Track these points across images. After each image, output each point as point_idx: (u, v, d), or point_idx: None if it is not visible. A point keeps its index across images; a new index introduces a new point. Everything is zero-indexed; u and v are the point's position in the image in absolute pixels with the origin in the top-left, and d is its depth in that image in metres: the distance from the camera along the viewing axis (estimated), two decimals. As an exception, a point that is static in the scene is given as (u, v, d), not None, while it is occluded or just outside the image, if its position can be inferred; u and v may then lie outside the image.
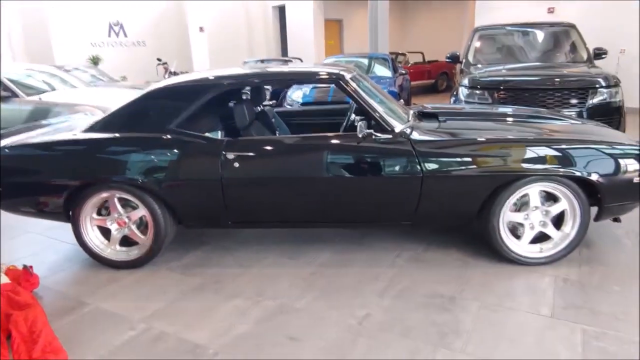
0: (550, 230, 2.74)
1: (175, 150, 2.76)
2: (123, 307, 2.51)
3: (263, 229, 3.46)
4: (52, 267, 3.05)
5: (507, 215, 2.71)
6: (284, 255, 3.07)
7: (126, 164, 2.77)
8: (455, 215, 2.82)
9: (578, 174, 2.58)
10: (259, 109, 3.65)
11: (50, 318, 2.30)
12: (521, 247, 2.77)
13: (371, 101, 2.79)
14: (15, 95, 5.86)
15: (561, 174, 2.59)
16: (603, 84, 4.65)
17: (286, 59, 11.58)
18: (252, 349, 2.13)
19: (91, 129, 2.95)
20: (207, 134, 3.00)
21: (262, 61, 10.67)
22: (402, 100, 7.40)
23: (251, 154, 2.75)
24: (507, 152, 2.62)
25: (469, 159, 2.63)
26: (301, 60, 11.18)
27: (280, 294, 2.59)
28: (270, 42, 15.02)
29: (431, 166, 2.62)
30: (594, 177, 2.58)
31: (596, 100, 4.62)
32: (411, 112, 3.24)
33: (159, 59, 12.65)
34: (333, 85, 2.91)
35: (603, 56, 5.87)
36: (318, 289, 2.64)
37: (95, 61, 12.98)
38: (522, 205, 2.75)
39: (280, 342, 2.17)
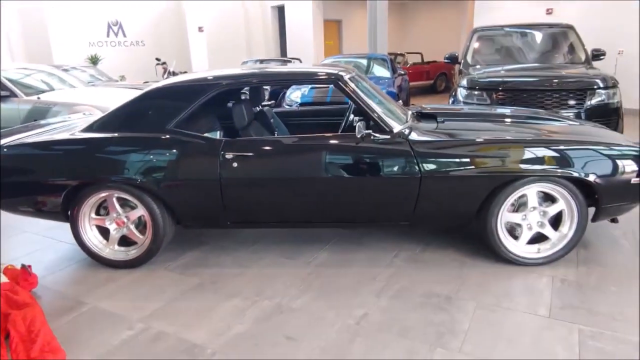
0: (547, 230, 2.75)
1: (174, 150, 2.76)
2: (121, 307, 2.52)
3: (261, 229, 3.46)
4: (51, 266, 3.05)
5: (505, 215, 2.72)
6: (283, 255, 3.07)
7: (125, 164, 2.77)
8: (454, 216, 2.83)
9: (576, 174, 2.59)
10: (257, 109, 3.65)
11: (48, 318, 2.30)
12: (519, 247, 2.78)
13: (370, 102, 2.80)
14: (13, 94, 5.86)
15: (559, 174, 2.60)
16: (601, 85, 4.67)
17: (285, 59, 11.59)
18: (250, 348, 2.13)
19: (90, 128, 2.96)
20: (205, 134, 3.00)
21: (261, 61, 10.69)
22: (400, 101, 7.41)
23: (250, 154, 2.75)
24: (506, 153, 2.62)
25: (467, 160, 2.64)
26: (300, 61, 11.20)
27: (278, 294, 2.60)
28: (270, 43, 15.03)
29: (429, 167, 2.63)
30: (592, 178, 2.59)
31: (594, 101, 4.64)
32: (409, 112, 3.25)
33: (157, 59, 12.64)
34: (332, 85, 2.91)
35: (601, 57, 5.89)
36: (316, 289, 2.64)
37: (94, 61, 12.97)
38: (520, 205, 2.76)
39: (278, 342, 2.17)
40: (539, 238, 2.79)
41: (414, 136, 2.74)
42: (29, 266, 2.77)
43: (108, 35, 14.06)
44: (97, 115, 3.48)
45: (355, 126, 2.64)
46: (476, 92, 4.95)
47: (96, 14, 13.53)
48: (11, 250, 3.33)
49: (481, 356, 2.02)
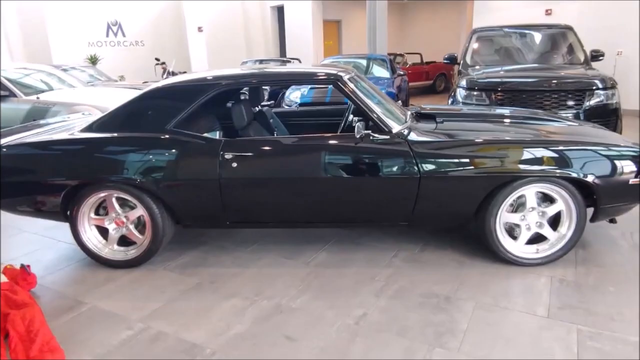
0: (546, 231, 2.76)
1: (173, 150, 2.77)
2: (120, 307, 2.52)
3: (261, 229, 3.47)
4: (50, 266, 3.05)
5: (503, 216, 2.73)
6: (282, 255, 3.07)
7: (124, 164, 2.77)
8: (452, 216, 2.84)
9: (574, 175, 2.59)
10: (257, 109, 3.65)
11: (47, 317, 2.30)
12: (517, 247, 2.78)
13: (369, 102, 2.81)
14: (13, 94, 5.85)
15: (558, 175, 2.60)
16: (600, 85, 4.68)
17: (285, 59, 11.59)
18: (250, 348, 2.14)
19: (89, 128, 2.96)
20: (205, 134, 3.00)
21: (261, 61, 10.69)
22: (400, 101, 7.41)
23: (249, 154, 2.75)
24: (504, 153, 2.63)
25: (466, 160, 2.64)
26: (300, 61, 11.20)
27: (277, 294, 2.60)
28: (269, 43, 15.03)
29: (428, 167, 2.64)
30: (590, 178, 2.60)
31: (593, 102, 4.65)
32: (409, 113, 3.26)
33: (157, 59, 12.65)
34: (331, 86, 2.91)
35: (600, 58, 5.90)
36: (315, 288, 2.64)
37: (93, 61, 12.96)
38: (518, 206, 2.76)
39: (278, 342, 2.17)
40: (537, 238, 2.79)
41: (413, 136, 2.74)
42: (28, 266, 2.77)
43: (107, 35, 14.05)
44: (97, 115, 3.48)
45: (354, 126, 2.65)
46: (475, 93, 4.96)
47: (95, 14, 13.52)
48: (10, 250, 3.33)
49: (480, 356, 2.02)
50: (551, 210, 2.72)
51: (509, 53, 6.17)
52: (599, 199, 2.66)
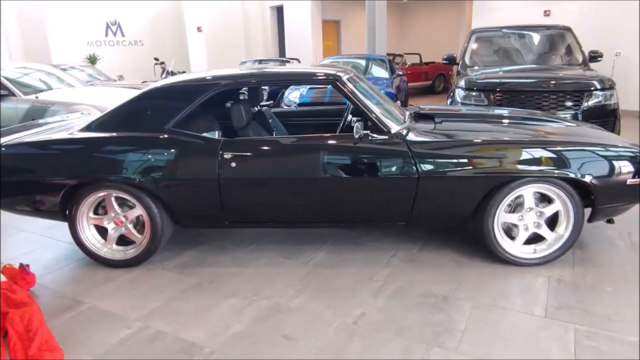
0: (544, 231, 2.77)
1: (173, 150, 2.77)
2: (119, 306, 2.52)
3: (260, 229, 3.47)
4: (48, 265, 3.05)
5: (501, 216, 2.73)
6: (281, 255, 3.08)
7: (123, 163, 2.77)
8: (451, 216, 2.84)
9: (572, 175, 2.60)
10: (256, 109, 3.66)
11: (46, 317, 2.30)
12: (515, 247, 2.79)
13: (368, 102, 2.81)
14: (12, 94, 5.85)
15: (555, 175, 2.61)
16: (598, 86, 4.69)
17: (284, 59, 11.60)
18: (248, 348, 2.14)
19: (88, 128, 2.96)
20: (204, 134, 3.01)
21: (260, 61, 10.69)
22: (398, 102, 7.42)
23: (248, 154, 2.76)
24: (503, 154, 2.64)
25: (465, 160, 2.65)
26: (299, 61, 11.21)
27: (276, 294, 2.60)
28: (268, 43, 15.04)
29: (427, 167, 2.64)
30: (588, 178, 2.61)
31: (591, 102, 4.66)
32: (407, 113, 3.26)
33: (156, 59, 12.65)
34: (330, 86, 2.92)
35: (598, 59, 5.92)
36: (314, 288, 2.65)
37: (92, 60, 12.96)
38: (516, 206, 2.77)
39: (276, 341, 2.18)
40: (535, 238, 2.80)
41: (411, 137, 2.75)
42: (27, 265, 2.78)
43: (106, 35, 14.05)
44: (96, 114, 3.48)
45: (353, 127, 2.66)
46: (474, 93, 4.97)
47: (95, 14, 13.52)
48: (9, 249, 3.33)
49: (477, 356, 2.03)
50: (549, 211, 2.73)
51: (508, 54, 6.18)
52: (597, 199, 2.67)
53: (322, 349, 2.11)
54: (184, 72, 10.33)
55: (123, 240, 2.98)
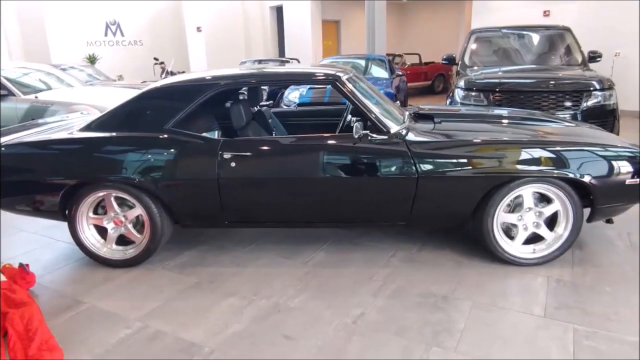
0: (543, 231, 2.77)
1: (172, 150, 2.77)
2: (119, 306, 2.52)
3: (259, 229, 3.47)
4: (48, 265, 3.05)
5: (501, 216, 2.74)
6: (280, 255, 3.08)
7: (123, 163, 2.77)
8: (450, 216, 2.85)
9: (571, 175, 2.61)
10: (255, 109, 3.66)
11: (46, 316, 2.30)
12: (515, 247, 2.80)
13: (367, 102, 2.82)
14: (11, 93, 5.85)
15: (555, 175, 2.62)
16: (597, 87, 4.70)
17: (283, 59, 11.60)
18: (248, 347, 2.14)
19: (88, 128, 2.96)
20: (204, 134, 3.01)
21: (260, 61, 10.69)
22: (398, 102, 7.43)
23: (248, 154, 2.76)
24: (502, 154, 2.64)
25: (464, 160, 2.65)
26: (298, 61, 11.21)
27: (275, 293, 2.61)
28: (268, 43, 15.04)
29: (426, 167, 2.65)
30: (587, 179, 2.61)
31: (590, 102, 4.67)
32: (407, 113, 3.27)
33: (156, 59, 12.66)
34: (329, 86, 2.92)
35: (597, 59, 5.93)
36: (313, 288, 2.65)
37: (91, 60, 12.96)
38: (515, 206, 2.78)
39: (276, 341, 2.18)
40: (534, 238, 2.81)
41: (411, 137, 2.75)
42: (27, 265, 2.78)
43: (106, 35, 14.05)
44: (95, 114, 3.48)
45: (352, 127, 2.66)
46: (473, 93, 4.97)
47: (94, 14, 13.53)
48: (9, 249, 3.33)
49: (477, 355, 2.03)
50: (548, 211, 2.74)
51: (507, 54, 6.19)
52: (596, 199, 2.67)
53: (321, 348, 2.11)
54: (183, 72, 10.32)
55: (123, 240, 2.98)
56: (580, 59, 5.86)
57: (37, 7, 12.36)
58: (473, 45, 6.38)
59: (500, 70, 5.51)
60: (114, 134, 2.86)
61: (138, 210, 2.85)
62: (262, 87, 4.87)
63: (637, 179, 2.66)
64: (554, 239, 2.77)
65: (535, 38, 6.26)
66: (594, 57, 5.91)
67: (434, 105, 4.21)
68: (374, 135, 2.70)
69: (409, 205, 2.73)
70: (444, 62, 6.49)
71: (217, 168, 2.72)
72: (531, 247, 2.80)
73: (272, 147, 2.82)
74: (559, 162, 2.62)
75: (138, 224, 2.95)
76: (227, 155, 2.73)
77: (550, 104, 4.69)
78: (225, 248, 3.23)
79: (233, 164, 2.72)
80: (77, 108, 5.24)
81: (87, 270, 2.96)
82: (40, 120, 3.84)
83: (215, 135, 3.38)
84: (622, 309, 2.34)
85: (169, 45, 14.74)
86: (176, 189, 2.80)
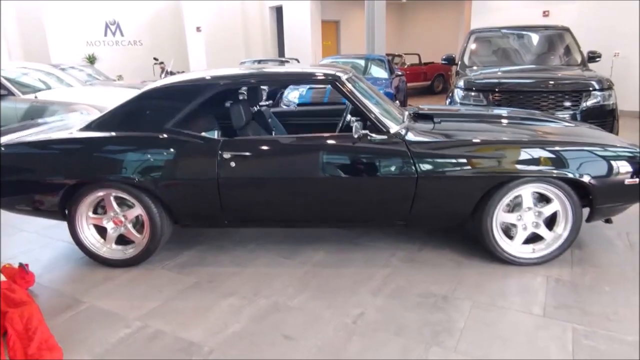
0: (542, 231, 2.77)
1: (172, 150, 2.77)
2: (118, 306, 2.52)
3: (259, 229, 3.47)
4: (48, 265, 3.05)
5: (500, 216, 2.74)
6: (280, 255, 3.08)
7: (122, 163, 2.78)
8: (450, 216, 2.85)
9: (570, 175, 2.61)
10: (255, 109, 3.66)
11: (45, 316, 2.30)
12: (514, 247, 2.80)
13: (367, 102, 2.82)
14: (11, 93, 5.85)
15: (554, 175, 2.62)
16: (596, 87, 4.70)
17: (283, 59, 11.60)
18: (247, 347, 2.15)
19: (87, 127, 2.96)
20: (203, 134, 3.01)
21: (259, 61, 10.69)
22: (397, 102, 7.43)
23: (247, 153, 2.76)
24: (501, 154, 2.64)
25: (464, 160, 2.65)
26: (298, 61, 11.21)
27: (275, 293, 2.61)
28: (267, 43, 15.04)
29: (426, 167, 2.65)
30: (586, 178, 2.61)
31: (590, 103, 4.67)
32: (406, 113, 3.27)
33: (155, 59, 12.65)
34: (329, 86, 2.92)
35: (597, 59, 5.93)
36: (313, 288, 2.65)
37: (91, 60, 12.96)
38: (515, 206, 2.78)
39: (275, 341, 2.18)
40: (534, 238, 2.81)
41: (410, 136, 2.75)
42: (26, 264, 2.78)
43: (106, 35, 14.05)
44: (95, 114, 3.49)
45: (352, 126, 2.66)
46: (473, 93, 4.98)
47: (94, 14, 13.52)
48: (9, 248, 3.33)
49: (476, 355, 2.04)
50: (547, 210, 2.74)
51: (507, 54, 6.19)
52: (595, 199, 2.68)
53: (321, 348, 2.12)
54: (183, 72, 10.32)
55: (122, 240, 2.98)
56: (579, 59, 5.86)
57: (37, 7, 12.35)
58: (472, 46, 6.38)
59: (500, 71, 5.51)
60: (113, 133, 2.86)
61: (138, 210, 2.85)
62: (262, 87, 4.88)
63: (636, 179, 2.66)
64: (553, 238, 2.77)
65: (535, 38, 6.27)
66: (593, 57, 5.92)
67: (434, 105, 4.21)
68: (374, 135, 2.70)
69: (409, 205, 2.74)
70: (443, 62, 6.49)
71: (216, 168, 2.73)
72: (530, 246, 2.81)
73: (271, 147, 2.82)
74: (558, 162, 2.62)
75: (138, 223, 2.95)
76: (226, 155, 2.73)
77: (550, 104, 4.70)
78: (224, 248, 3.23)
79: (233, 164, 2.72)
80: (76, 108, 5.24)
81: (87, 269, 2.96)
82: (39, 120, 3.84)
83: (215, 135, 3.38)
84: (621, 308, 2.35)
85: (168, 45, 14.73)
86: (176, 188, 2.80)
